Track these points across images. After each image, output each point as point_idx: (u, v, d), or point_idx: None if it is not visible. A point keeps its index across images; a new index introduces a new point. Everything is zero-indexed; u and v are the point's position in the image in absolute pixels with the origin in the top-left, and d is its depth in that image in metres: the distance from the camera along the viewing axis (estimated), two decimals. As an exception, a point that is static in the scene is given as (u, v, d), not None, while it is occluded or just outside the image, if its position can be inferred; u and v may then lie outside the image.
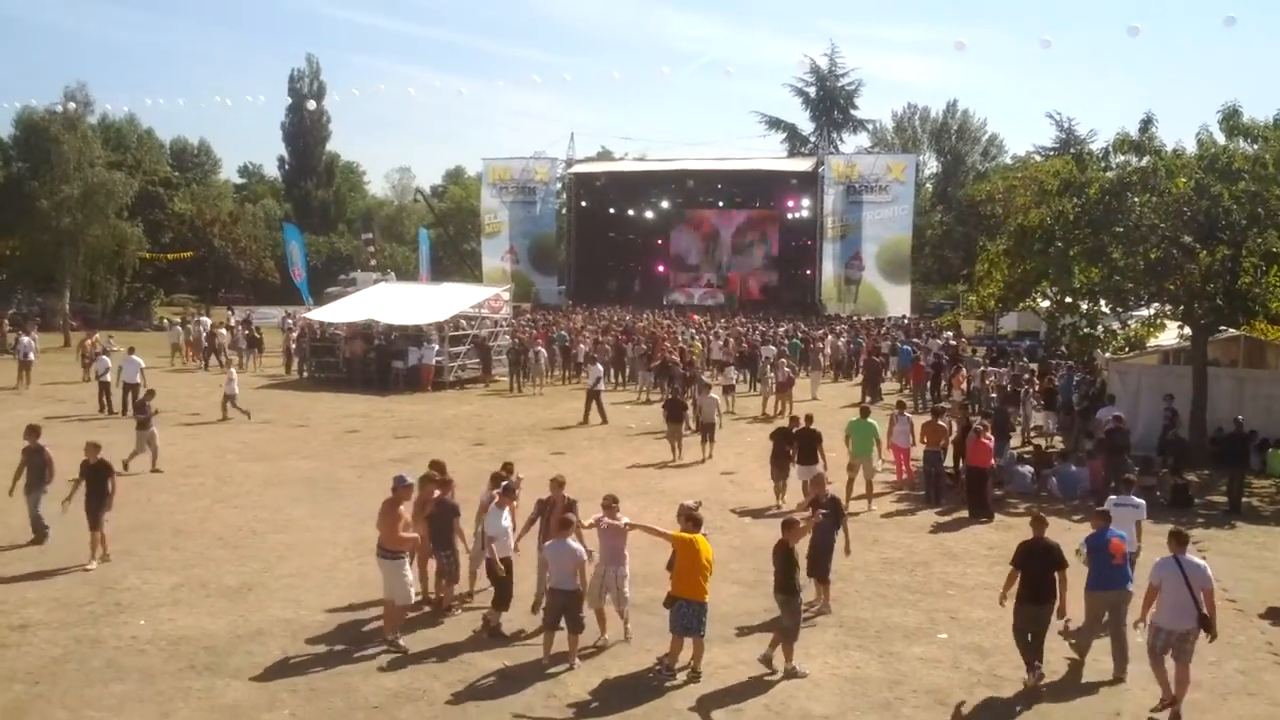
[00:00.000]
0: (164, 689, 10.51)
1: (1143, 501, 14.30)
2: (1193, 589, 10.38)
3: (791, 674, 11.19)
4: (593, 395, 28.36)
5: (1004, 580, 11.46)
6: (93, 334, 37.32)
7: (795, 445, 18.82)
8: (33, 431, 16.13)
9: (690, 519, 11.42)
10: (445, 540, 12.49)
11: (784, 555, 11.32)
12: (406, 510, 12.09)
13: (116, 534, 16.01)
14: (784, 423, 21.52)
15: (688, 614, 11.00)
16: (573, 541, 11.37)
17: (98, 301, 55.30)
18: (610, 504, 12.14)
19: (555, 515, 12.10)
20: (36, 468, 15.63)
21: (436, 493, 12.76)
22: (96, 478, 14.91)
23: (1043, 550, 11.21)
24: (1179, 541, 10.69)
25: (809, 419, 19.41)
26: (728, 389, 28.99)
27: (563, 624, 11.31)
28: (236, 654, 11.45)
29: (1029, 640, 11.11)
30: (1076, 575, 11.47)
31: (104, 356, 28.75)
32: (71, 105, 48.17)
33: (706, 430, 23.78)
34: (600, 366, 30.87)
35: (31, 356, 33.08)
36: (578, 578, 11.23)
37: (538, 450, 23.79)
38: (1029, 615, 11.13)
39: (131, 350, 29.16)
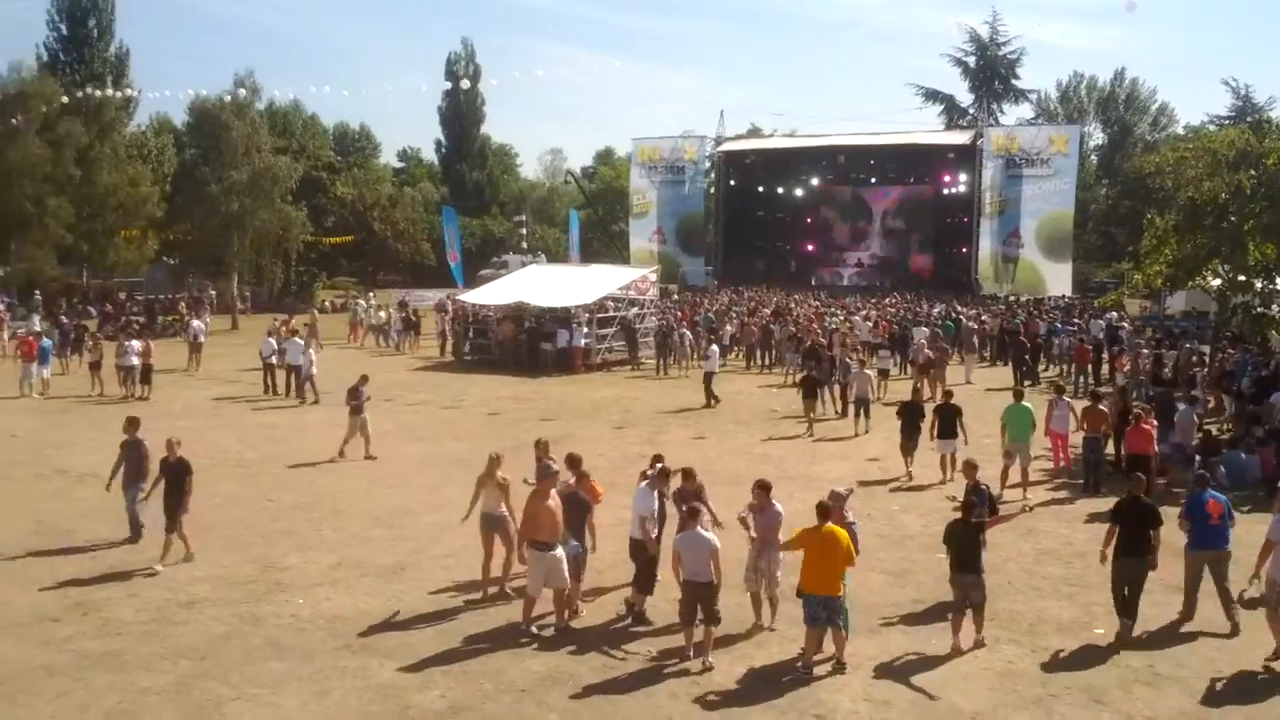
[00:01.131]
0: (321, 667, 10.89)
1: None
2: None
3: (979, 644, 11.51)
4: (708, 378, 28.29)
5: (1106, 540, 11.99)
6: (289, 318, 38.49)
7: (933, 418, 19.48)
8: (131, 424, 15.28)
9: (822, 510, 11.03)
10: (578, 533, 12.41)
11: (961, 533, 11.54)
12: (555, 498, 12.10)
13: (279, 513, 16.74)
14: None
15: (822, 608, 10.74)
16: (704, 531, 11.21)
17: (264, 285, 57.55)
18: (760, 490, 12.00)
19: (686, 505, 11.95)
20: (134, 461, 14.91)
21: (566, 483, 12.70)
22: (175, 476, 14.23)
23: (1141, 508, 11.85)
24: None
25: (948, 394, 20.98)
26: (882, 373, 28.46)
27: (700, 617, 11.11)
28: (390, 634, 11.79)
29: (1125, 594, 11.71)
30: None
31: (269, 339, 29.92)
32: (241, 92, 50.07)
33: (861, 405, 24.22)
34: (717, 349, 30.74)
35: (202, 339, 34.64)
36: (712, 568, 11.01)
37: (682, 434, 23.83)
38: (1126, 568, 11.73)
39: (295, 332, 30.29)
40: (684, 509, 11.68)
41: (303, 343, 29.18)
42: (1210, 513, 12.08)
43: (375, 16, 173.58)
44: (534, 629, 11.81)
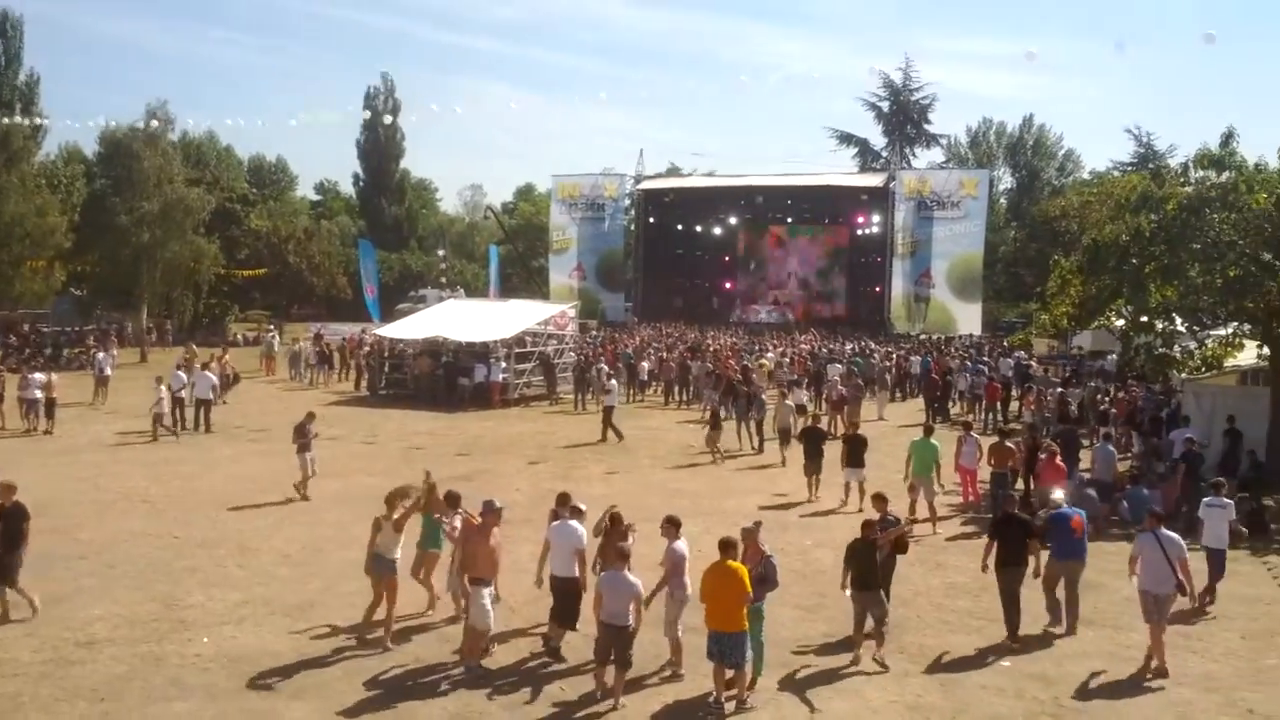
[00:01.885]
0: (226, 708, 10.63)
1: (1231, 503, 15.43)
2: (1170, 558, 12.11)
3: (880, 662, 12.10)
4: (607, 412, 28.36)
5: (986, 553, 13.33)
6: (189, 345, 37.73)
7: (843, 448, 20.72)
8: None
9: (723, 545, 11.02)
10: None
11: (861, 552, 12.26)
12: (497, 535, 12.14)
13: (184, 549, 16.35)
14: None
15: (726, 644, 10.72)
16: (629, 574, 11.15)
17: (174, 317, 56.45)
18: (669, 525, 12.04)
19: (610, 544, 11.92)
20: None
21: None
22: (10, 522, 12.99)
23: (1016, 521, 13.26)
24: (1155, 519, 12.76)
25: (854, 426, 23.82)
26: (800, 409, 28.75)
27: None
28: (298, 673, 11.55)
29: (1013, 599, 12.85)
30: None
31: (179, 372, 29.31)
32: (154, 122, 49.27)
33: (784, 436, 24.98)
34: (615, 384, 30.90)
35: (108, 372, 33.81)
36: (631, 612, 10.95)
37: (597, 469, 23.81)
38: (1008, 576, 12.91)
39: (205, 366, 29.71)
40: (615, 548, 11.52)
41: (213, 376, 28.64)
42: (1074, 528, 13.47)
43: (294, 49, 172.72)
44: (481, 665, 11.73)
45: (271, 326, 56.75)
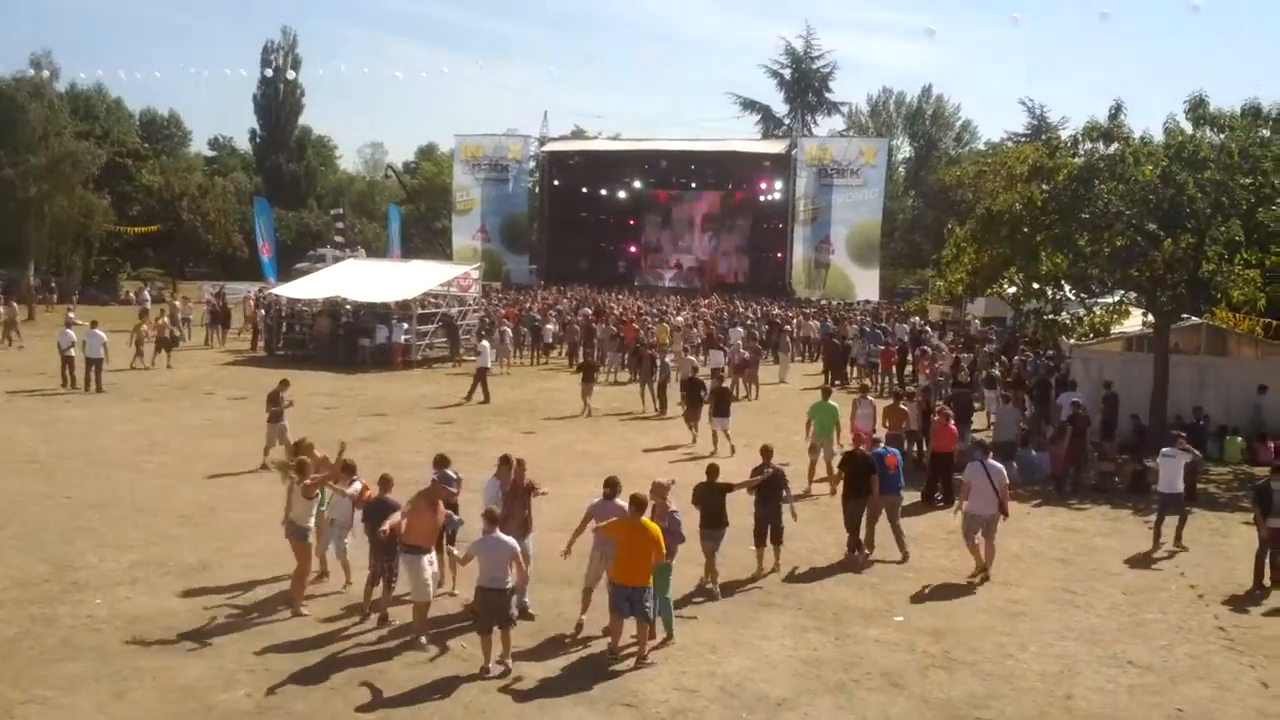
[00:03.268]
0: (119, 668, 10.49)
1: (1195, 452, 17.56)
2: (994, 484, 14.19)
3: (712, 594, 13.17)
4: (480, 373, 28.44)
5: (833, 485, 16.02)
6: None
7: (712, 399, 22.68)
8: None
9: (636, 503, 11.20)
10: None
11: (706, 493, 13.36)
12: (440, 507, 11.91)
13: (76, 510, 15.99)
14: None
15: (635, 597, 10.91)
16: (502, 535, 10.86)
17: (63, 274, 54.74)
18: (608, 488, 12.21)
19: (519, 510, 11.99)
20: None
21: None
22: None
23: (862, 459, 14.93)
24: (985, 450, 14.92)
25: (720, 379, 25.96)
26: (715, 373, 28.83)
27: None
28: (193, 634, 11.42)
29: (856, 527, 14.78)
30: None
31: (68, 330, 28.47)
32: (40, 73, 47.56)
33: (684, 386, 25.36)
34: (488, 344, 30.77)
35: None
36: (511, 573, 10.75)
37: (502, 430, 23.77)
38: (854, 507, 14.80)
39: (94, 324, 28.91)
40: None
41: (102, 334, 27.89)
42: (889, 465, 15.21)
43: (190, 1, 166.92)
44: (424, 639, 11.36)
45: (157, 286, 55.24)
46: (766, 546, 14.24)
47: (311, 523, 12.39)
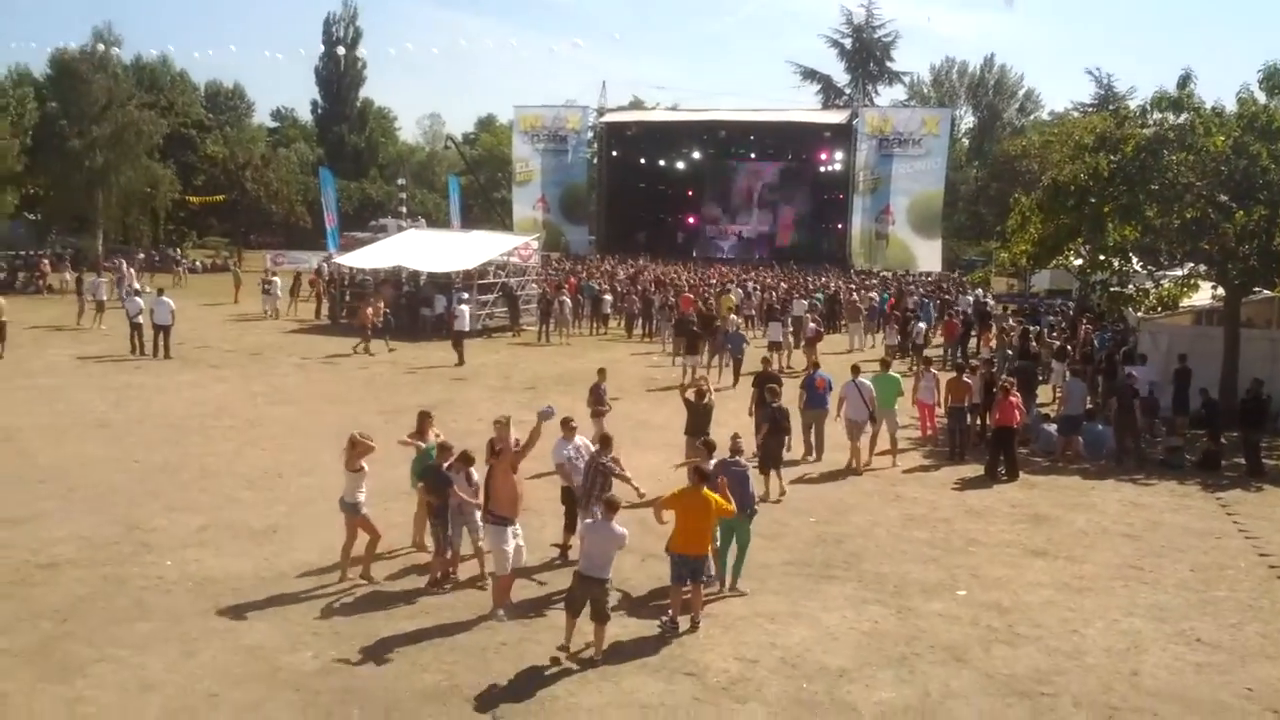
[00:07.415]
0: (189, 629, 10.68)
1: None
2: (864, 397, 18.03)
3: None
4: (458, 336, 28.81)
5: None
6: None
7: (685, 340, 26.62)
8: None
9: (699, 473, 11.26)
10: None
11: (696, 409, 16.40)
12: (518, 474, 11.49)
13: (145, 474, 16.29)
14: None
15: (686, 567, 11.01)
16: (617, 526, 10.49)
17: (131, 243, 55.63)
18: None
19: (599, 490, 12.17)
20: None
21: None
22: None
23: (770, 378, 18.59)
24: (856, 372, 18.56)
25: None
26: (773, 346, 28.54)
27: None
28: (261, 595, 11.61)
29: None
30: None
31: (136, 298, 28.95)
32: (100, 47, 48.20)
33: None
34: (466, 309, 30.58)
35: (103, 296, 34.16)
36: (611, 567, 10.49)
37: (563, 399, 23.76)
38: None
39: (161, 291, 29.37)
40: (605, 497, 11.09)
41: (169, 302, 28.33)
42: (817, 386, 18.53)
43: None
44: (501, 613, 11.16)
45: (230, 254, 55.99)
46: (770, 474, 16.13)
47: (361, 496, 12.20)
